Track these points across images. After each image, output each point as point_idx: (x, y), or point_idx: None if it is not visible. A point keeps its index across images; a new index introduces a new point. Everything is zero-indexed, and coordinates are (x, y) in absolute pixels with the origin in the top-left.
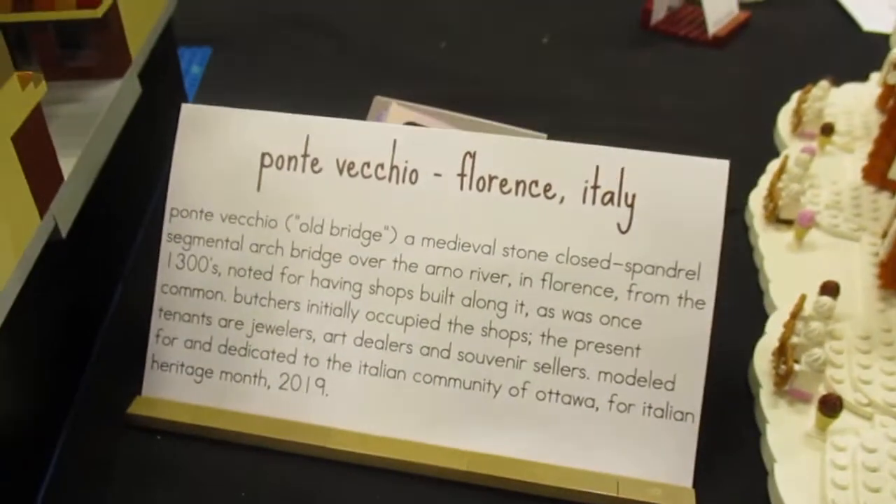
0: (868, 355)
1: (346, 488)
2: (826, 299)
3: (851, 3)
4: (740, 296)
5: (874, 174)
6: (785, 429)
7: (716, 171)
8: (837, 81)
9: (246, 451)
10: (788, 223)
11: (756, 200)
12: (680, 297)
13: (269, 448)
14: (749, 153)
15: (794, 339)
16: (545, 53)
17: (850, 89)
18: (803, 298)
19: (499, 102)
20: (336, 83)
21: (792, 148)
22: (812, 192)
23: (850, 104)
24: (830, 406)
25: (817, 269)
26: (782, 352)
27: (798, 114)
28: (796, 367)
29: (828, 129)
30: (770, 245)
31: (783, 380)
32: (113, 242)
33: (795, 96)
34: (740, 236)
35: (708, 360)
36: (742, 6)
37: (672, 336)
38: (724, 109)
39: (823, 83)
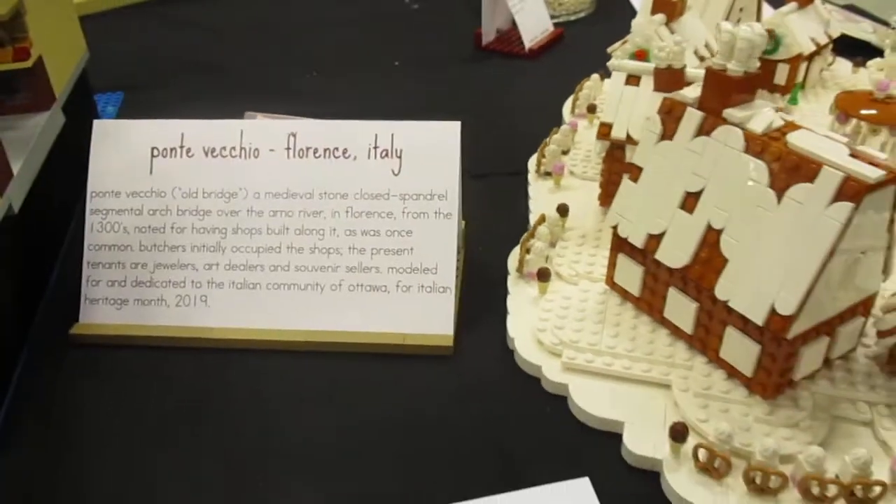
0: (581, 247)
1: (227, 365)
2: (555, 215)
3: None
4: (513, 226)
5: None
6: (520, 296)
7: (452, 128)
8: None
9: (156, 351)
10: (550, 174)
11: (532, 163)
12: (436, 213)
13: (172, 346)
14: (544, 132)
15: (531, 242)
16: (397, 74)
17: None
18: (542, 217)
19: (356, 115)
20: (222, 110)
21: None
22: (574, 152)
23: None
24: (542, 275)
25: (565, 202)
26: (523, 249)
27: (574, 100)
28: (527, 257)
29: (592, 109)
30: (537, 190)
31: (521, 266)
32: (52, 226)
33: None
34: (522, 188)
35: (480, 262)
36: (556, 25)
37: (433, 239)
38: (533, 103)
39: (595, 76)
